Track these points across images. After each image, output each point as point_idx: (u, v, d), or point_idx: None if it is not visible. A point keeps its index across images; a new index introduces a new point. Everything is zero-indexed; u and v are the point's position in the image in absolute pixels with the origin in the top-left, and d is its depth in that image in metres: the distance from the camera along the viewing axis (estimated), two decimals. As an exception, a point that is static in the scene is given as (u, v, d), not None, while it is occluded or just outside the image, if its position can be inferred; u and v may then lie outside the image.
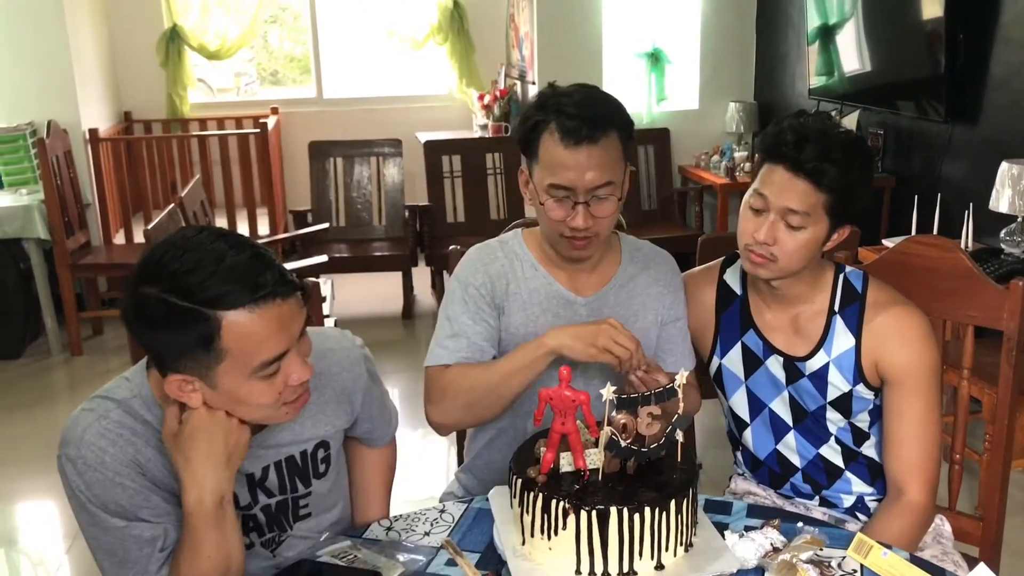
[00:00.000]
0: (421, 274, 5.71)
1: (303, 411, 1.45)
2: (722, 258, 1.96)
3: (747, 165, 5.33)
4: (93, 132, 5.06)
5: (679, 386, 1.46)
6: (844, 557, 1.46)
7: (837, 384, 1.78)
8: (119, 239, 5.22)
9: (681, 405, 1.46)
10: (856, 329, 1.76)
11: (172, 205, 3.68)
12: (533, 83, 5.71)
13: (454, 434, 2.26)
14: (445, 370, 1.76)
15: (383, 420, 1.72)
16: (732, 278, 1.91)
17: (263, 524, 1.55)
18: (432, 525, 1.60)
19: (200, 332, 1.23)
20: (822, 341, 1.78)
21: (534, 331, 1.77)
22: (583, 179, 1.66)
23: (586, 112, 1.65)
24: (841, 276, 1.80)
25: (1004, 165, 3.44)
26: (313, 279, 2.13)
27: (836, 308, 1.78)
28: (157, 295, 1.23)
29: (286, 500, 1.55)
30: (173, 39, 6.03)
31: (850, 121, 4.72)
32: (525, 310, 1.79)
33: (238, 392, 1.30)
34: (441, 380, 1.76)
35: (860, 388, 1.77)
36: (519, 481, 1.43)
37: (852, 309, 1.77)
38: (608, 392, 1.40)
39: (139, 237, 4.91)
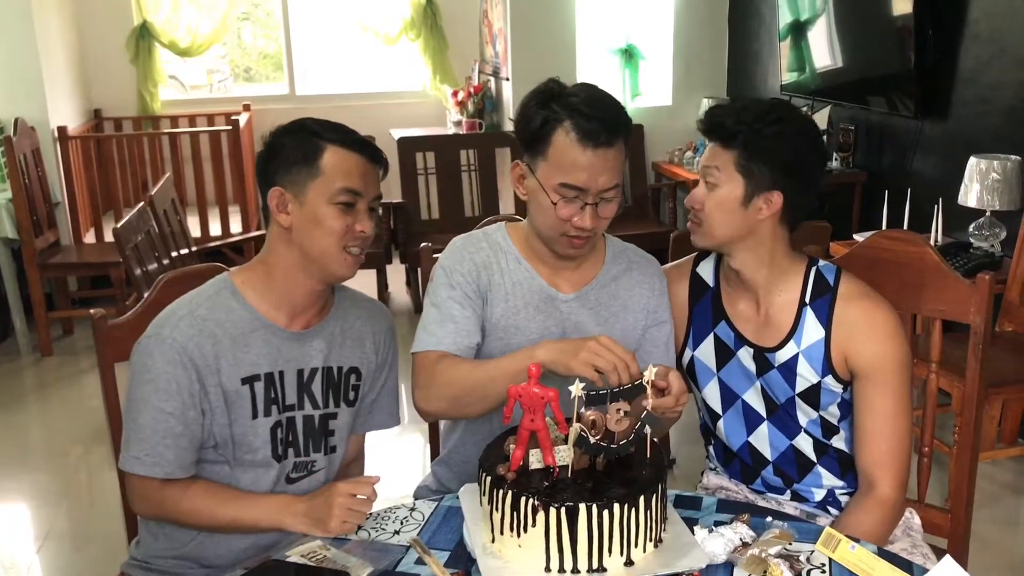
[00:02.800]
0: (396, 271, 5.70)
1: (339, 334, 1.77)
2: (694, 254, 1.96)
3: (720, 161, 5.34)
4: (62, 130, 5.01)
5: (647, 382, 1.46)
6: (813, 551, 1.47)
7: (806, 375, 1.78)
8: (89, 238, 5.17)
9: (650, 401, 1.46)
10: (826, 321, 1.77)
11: (142, 203, 3.65)
12: (507, 79, 5.70)
13: (428, 430, 2.26)
14: (435, 358, 1.75)
15: (393, 397, 1.92)
16: (705, 270, 1.91)
17: (300, 438, 1.74)
18: (402, 524, 1.59)
19: (309, 150, 1.64)
20: (792, 332, 1.79)
21: (514, 323, 1.78)
22: (596, 181, 1.66)
23: (603, 114, 1.65)
24: (814, 269, 1.81)
25: (972, 160, 3.48)
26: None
27: (807, 300, 1.79)
28: (289, 129, 1.69)
29: (324, 416, 1.76)
30: (143, 36, 5.97)
31: (821, 117, 4.74)
32: (507, 302, 1.79)
33: (318, 211, 1.63)
34: (430, 367, 1.75)
35: (829, 380, 1.78)
36: (488, 479, 1.43)
37: (823, 301, 1.78)
38: (577, 389, 1.40)
39: (109, 236, 4.86)
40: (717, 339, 1.87)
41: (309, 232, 1.64)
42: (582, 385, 1.40)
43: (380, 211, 5.39)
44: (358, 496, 1.58)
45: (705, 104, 5.73)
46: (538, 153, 1.69)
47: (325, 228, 1.63)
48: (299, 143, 1.65)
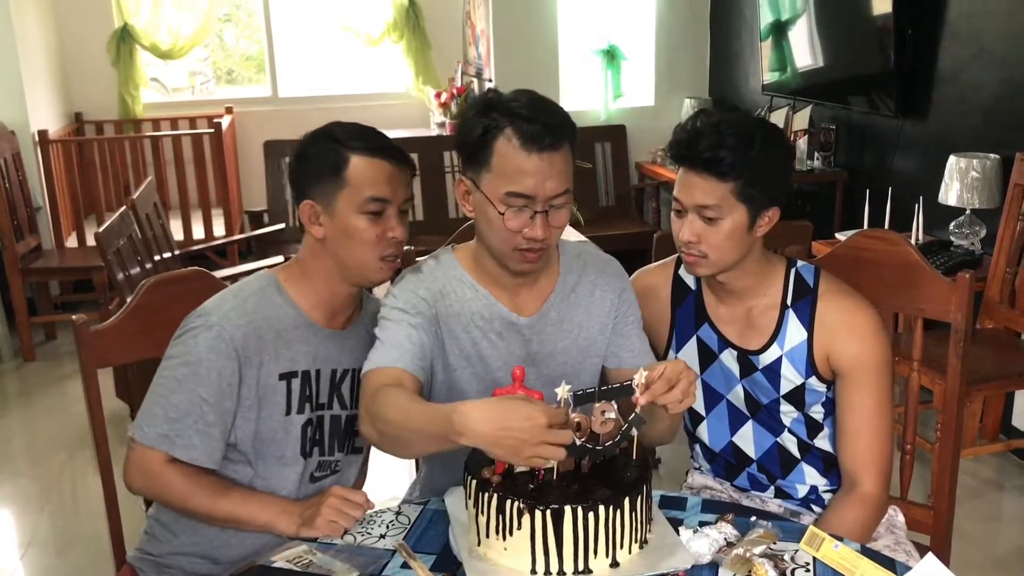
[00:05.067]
0: (380, 273, 5.68)
1: (368, 334, 1.72)
2: (677, 254, 1.96)
3: (703, 161, 5.36)
4: (43, 134, 4.97)
5: (637, 385, 1.45)
6: (797, 550, 1.48)
7: (790, 377, 1.79)
8: (71, 242, 5.14)
9: (640, 400, 1.45)
10: (808, 322, 1.78)
11: (124, 207, 3.63)
12: (490, 80, 5.71)
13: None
14: (377, 385, 1.58)
15: None
16: (687, 273, 1.92)
17: (325, 438, 1.76)
18: (388, 528, 1.59)
19: (334, 161, 1.65)
20: (775, 335, 1.80)
21: (478, 352, 1.72)
22: (544, 187, 1.58)
23: (545, 117, 1.57)
24: (793, 270, 1.82)
25: (952, 159, 3.50)
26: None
27: (788, 302, 1.80)
28: (317, 139, 1.70)
29: (351, 417, 1.78)
30: (124, 38, 5.95)
31: (802, 116, 4.77)
32: (469, 332, 1.72)
33: (347, 221, 1.65)
34: (371, 393, 1.58)
35: (812, 381, 1.79)
36: (474, 482, 1.43)
37: (804, 303, 1.79)
38: (563, 391, 1.40)
39: (92, 240, 4.83)
40: (700, 341, 1.88)
41: (343, 243, 1.67)
42: (568, 387, 1.41)
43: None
44: (349, 500, 1.59)
45: (688, 105, 5.75)
46: (481, 164, 1.61)
47: (358, 239, 1.65)
48: (324, 154, 1.66)
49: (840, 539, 1.47)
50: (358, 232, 1.65)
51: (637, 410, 1.45)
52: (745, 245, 1.73)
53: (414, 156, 5.80)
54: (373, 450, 1.84)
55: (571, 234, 3.75)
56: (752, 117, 1.75)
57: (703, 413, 1.93)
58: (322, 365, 1.73)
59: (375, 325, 1.71)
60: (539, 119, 1.57)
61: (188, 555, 1.74)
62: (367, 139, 1.68)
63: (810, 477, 1.88)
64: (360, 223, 1.65)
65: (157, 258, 3.86)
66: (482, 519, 1.41)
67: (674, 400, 1.45)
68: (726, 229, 1.70)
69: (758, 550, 1.44)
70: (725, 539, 1.48)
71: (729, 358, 1.85)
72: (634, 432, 1.46)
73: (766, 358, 1.81)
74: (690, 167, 1.70)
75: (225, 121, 5.66)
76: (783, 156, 1.74)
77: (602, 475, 1.44)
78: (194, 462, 1.63)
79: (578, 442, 1.41)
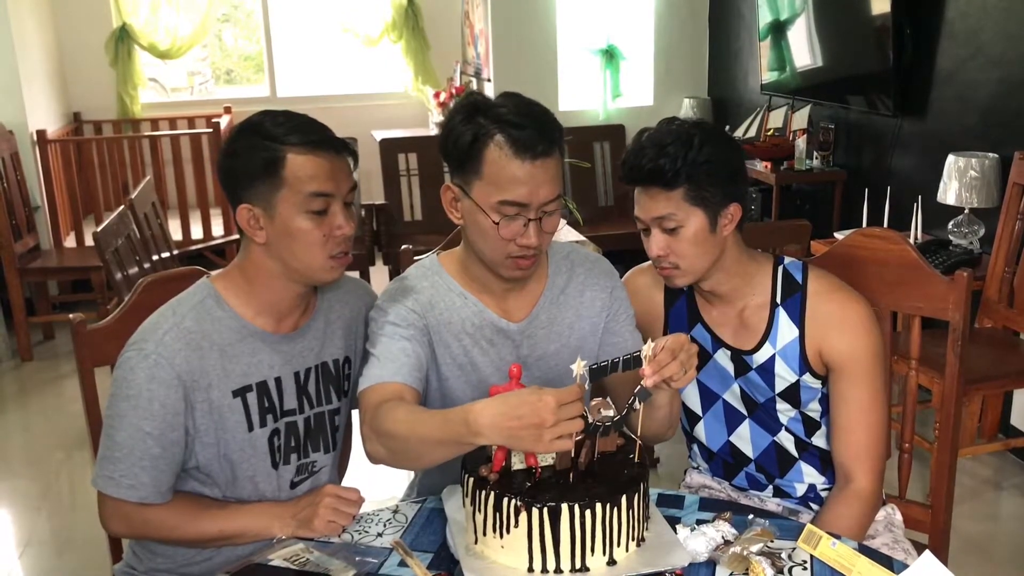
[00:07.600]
0: (379, 273, 5.68)
1: (327, 328, 1.72)
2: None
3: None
4: (41, 133, 4.97)
5: (645, 356, 1.44)
6: (794, 548, 1.47)
7: (784, 375, 1.79)
8: (70, 242, 5.14)
9: (647, 372, 1.44)
10: (799, 319, 1.78)
11: (122, 207, 3.63)
12: (489, 80, 5.71)
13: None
14: (378, 401, 1.56)
15: None
16: None
17: (302, 440, 1.71)
18: (385, 526, 1.59)
19: (268, 159, 1.53)
20: (767, 334, 1.80)
21: (470, 360, 1.72)
22: (538, 195, 1.56)
23: (535, 123, 1.55)
24: (780, 268, 1.81)
25: (951, 158, 3.50)
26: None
27: (778, 300, 1.80)
28: (245, 135, 1.57)
29: (323, 413, 1.73)
30: (123, 38, 5.94)
31: (801, 116, 4.77)
32: (460, 340, 1.71)
33: (291, 223, 1.55)
34: (372, 409, 1.56)
35: (807, 378, 1.79)
36: (471, 480, 1.42)
37: (794, 300, 1.79)
38: (579, 367, 1.39)
39: (90, 240, 4.83)
40: (694, 341, 1.87)
41: (288, 246, 1.56)
42: (584, 363, 1.39)
43: (360, 203, 5.38)
44: (344, 498, 1.58)
45: (687, 105, 5.76)
46: (471, 172, 1.58)
47: (304, 241, 1.55)
48: (256, 153, 1.54)
49: (838, 537, 1.47)
50: (303, 234, 1.55)
51: (644, 383, 1.44)
52: (713, 247, 1.73)
53: (412, 156, 5.81)
54: (362, 451, 1.83)
55: (570, 234, 3.75)
56: (693, 122, 1.74)
57: (700, 413, 1.93)
58: (282, 371, 1.65)
59: (348, 313, 1.71)
60: (529, 125, 1.54)
61: (168, 571, 1.70)
62: (302, 132, 1.55)
63: (808, 476, 1.88)
64: (304, 224, 1.54)
65: (155, 258, 3.85)
66: (479, 517, 1.41)
67: (677, 371, 1.45)
68: (689, 235, 1.70)
69: (755, 548, 1.44)
70: (723, 537, 1.48)
71: (723, 358, 1.85)
72: (639, 405, 1.45)
73: (759, 357, 1.81)
74: (640, 184, 1.72)
75: (224, 121, 5.65)
76: (729, 152, 1.73)
77: (599, 473, 1.44)
78: (143, 500, 1.57)
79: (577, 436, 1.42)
